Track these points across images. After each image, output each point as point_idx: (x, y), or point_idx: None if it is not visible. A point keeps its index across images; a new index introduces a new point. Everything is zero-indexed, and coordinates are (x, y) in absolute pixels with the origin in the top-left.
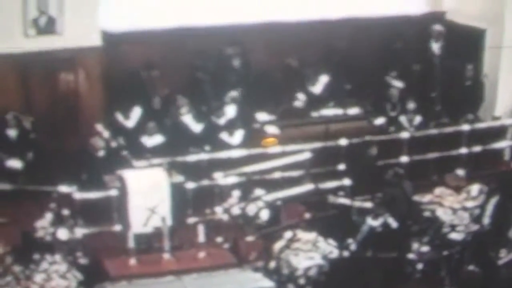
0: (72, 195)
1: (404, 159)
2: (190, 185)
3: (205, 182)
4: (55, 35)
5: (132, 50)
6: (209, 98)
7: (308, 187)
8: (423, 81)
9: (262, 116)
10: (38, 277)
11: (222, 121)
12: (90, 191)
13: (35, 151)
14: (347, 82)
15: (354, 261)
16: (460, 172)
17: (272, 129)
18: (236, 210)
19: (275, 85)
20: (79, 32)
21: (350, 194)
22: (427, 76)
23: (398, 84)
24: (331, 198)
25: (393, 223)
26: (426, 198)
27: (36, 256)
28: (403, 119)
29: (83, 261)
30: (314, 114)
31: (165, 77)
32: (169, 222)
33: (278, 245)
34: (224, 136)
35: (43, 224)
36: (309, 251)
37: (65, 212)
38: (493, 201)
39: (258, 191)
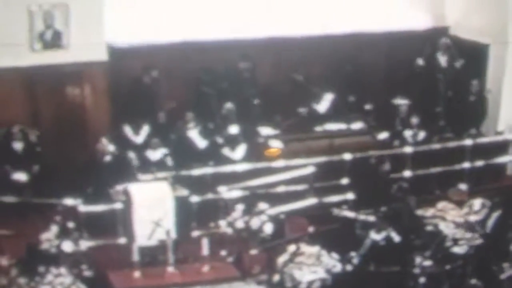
0: (77, 208)
1: (407, 173)
2: (195, 198)
3: (210, 196)
4: (61, 49)
5: (137, 64)
6: (214, 112)
7: (311, 201)
8: (428, 96)
9: (266, 130)
10: None
11: (224, 136)
12: (95, 204)
13: (40, 164)
14: (351, 97)
15: (357, 275)
16: (463, 186)
17: (276, 143)
18: (240, 224)
19: (279, 100)
20: (85, 46)
21: (354, 208)
22: (431, 91)
23: (403, 101)
24: (336, 211)
25: (396, 237)
26: (429, 212)
27: (41, 269)
28: (407, 133)
29: (88, 273)
30: (318, 128)
31: (170, 91)
32: (173, 235)
33: (281, 259)
34: (226, 151)
35: (48, 237)
36: (313, 265)
37: (70, 224)
38: (495, 215)
39: (262, 205)
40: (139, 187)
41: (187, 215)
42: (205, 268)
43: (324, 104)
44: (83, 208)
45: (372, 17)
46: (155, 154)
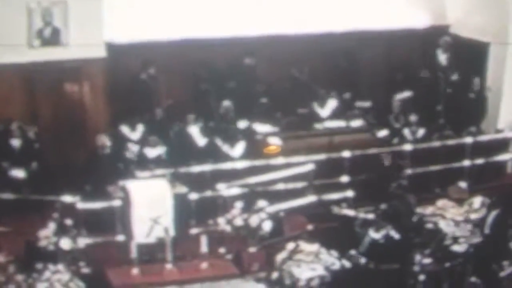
0: (76, 205)
1: (407, 171)
2: (193, 196)
3: (208, 193)
4: (60, 46)
5: (136, 61)
6: (213, 110)
7: (311, 198)
8: (428, 94)
9: (265, 127)
10: (41, 286)
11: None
12: (93, 201)
13: (38, 161)
14: (350, 95)
15: (356, 272)
16: (463, 184)
17: (275, 141)
18: (239, 221)
19: (278, 97)
20: (83, 43)
21: (354, 205)
22: (431, 89)
23: (405, 94)
24: (335, 209)
25: (396, 235)
26: (429, 210)
27: (39, 265)
28: (406, 131)
29: (86, 270)
30: (318, 126)
31: (169, 88)
32: (172, 232)
33: (280, 256)
34: (225, 148)
35: (46, 234)
36: (312, 262)
37: (68, 222)
38: (495, 213)
39: (261, 203)
40: (137, 184)
41: (185, 213)
42: (204, 266)
43: (327, 109)
44: (81, 205)
45: (372, 15)
46: (153, 152)
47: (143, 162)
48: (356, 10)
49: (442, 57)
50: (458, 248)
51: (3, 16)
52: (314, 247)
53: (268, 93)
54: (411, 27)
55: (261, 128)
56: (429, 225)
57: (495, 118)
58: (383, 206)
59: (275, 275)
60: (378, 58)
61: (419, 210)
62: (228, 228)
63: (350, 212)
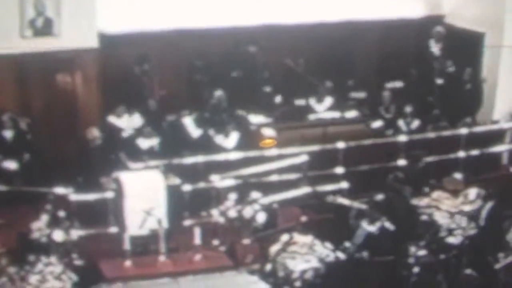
0: (68, 196)
1: (401, 162)
2: (187, 187)
3: (202, 185)
4: (52, 36)
5: (129, 51)
6: (207, 100)
7: (305, 190)
8: (421, 84)
9: (259, 118)
10: (33, 279)
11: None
12: (86, 193)
13: (31, 152)
14: (344, 85)
15: (350, 264)
16: (458, 175)
17: (269, 132)
18: (232, 213)
19: (272, 87)
20: (76, 33)
21: (348, 197)
22: (425, 79)
23: (395, 85)
24: (330, 198)
25: (390, 227)
26: (424, 201)
27: (32, 258)
28: (400, 122)
29: (78, 262)
30: (312, 117)
31: (162, 79)
32: (165, 224)
33: (274, 248)
34: (218, 139)
35: (39, 226)
36: (306, 254)
37: (61, 213)
38: (490, 205)
39: (255, 194)
40: (130, 175)
41: (179, 204)
42: (197, 257)
43: (324, 105)
44: (74, 197)
45: (366, 4)
46: (147, 143)
47: (136, 153)
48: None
49: (435, 48)
50: (453, 240)
51: None
52: (308, 239)
53: (271, 82)
54: (406, 17)
55: (255, 118)
56: (424, 217)
57: (491, 109)
58: (378, 197)
59: (269, 267)
60: (373, 48)
61: (414, 201)
62: (221, 220)
63: (345, 201)
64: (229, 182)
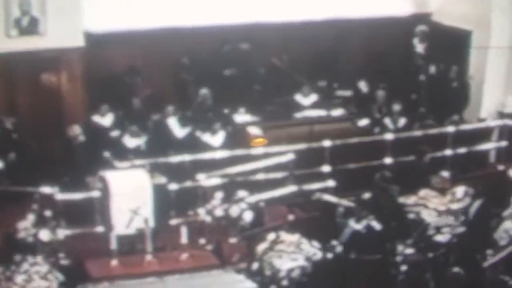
0: (54, 196)
1: (388, 160)
2: (173, 186)
3: (188, 184)
4: (38, 35)
5: (115, 51)
6: (193, 99)
7: (291, 188)
8: (408, 82)
9: (245, 117)
10: (19, 278)
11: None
12: (72, 192)
13: (17, 152)
14: (330, 83)
15: (338, 263)
16: (445, 174)
17: (255, 130)
18: (219, 212)
19: (259, 86)
20: (62, 32)
21: (335, 195)
22: (411, 77)
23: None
24: (317, 195)
25: (377, 226)
26: (411, 200)
27: (18, 257)
28: (387, 120)
29: (65, 262)
30: (298, 115)
31: (148, 78)
32: (151, 223)
33: (261, 247)
34: (205, 137)
35: (25, 225)
36: (293, 252)
37: (47, 213)
38: (478, 203)
39: (241, 193)
40: (116, 174)
41: (165, 203)
42: (184, 256)
43: (310, 99)
44: (60, 196)
45: (353, 3)
46: (133, 142)
47: (122, 152)
48: None
49: (420, 46)
50: (441, 238)
51: None
52: (295, 237)
53: (263, 80)
54: (392, 15)
55: (242, 117)
56: (412, 215)
57: (478, 106)
58: (365, 196)
59: (255, 265)
60: (359, 47)
61: (401, 200)
62: (208, 219)
63: (331, 199)
64: (215, 180)
